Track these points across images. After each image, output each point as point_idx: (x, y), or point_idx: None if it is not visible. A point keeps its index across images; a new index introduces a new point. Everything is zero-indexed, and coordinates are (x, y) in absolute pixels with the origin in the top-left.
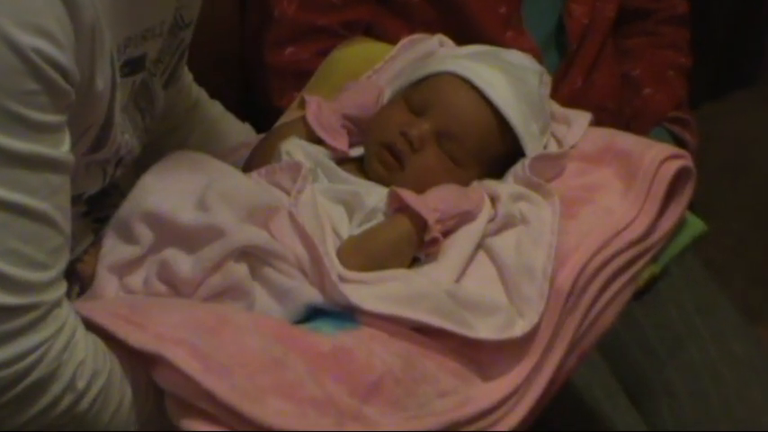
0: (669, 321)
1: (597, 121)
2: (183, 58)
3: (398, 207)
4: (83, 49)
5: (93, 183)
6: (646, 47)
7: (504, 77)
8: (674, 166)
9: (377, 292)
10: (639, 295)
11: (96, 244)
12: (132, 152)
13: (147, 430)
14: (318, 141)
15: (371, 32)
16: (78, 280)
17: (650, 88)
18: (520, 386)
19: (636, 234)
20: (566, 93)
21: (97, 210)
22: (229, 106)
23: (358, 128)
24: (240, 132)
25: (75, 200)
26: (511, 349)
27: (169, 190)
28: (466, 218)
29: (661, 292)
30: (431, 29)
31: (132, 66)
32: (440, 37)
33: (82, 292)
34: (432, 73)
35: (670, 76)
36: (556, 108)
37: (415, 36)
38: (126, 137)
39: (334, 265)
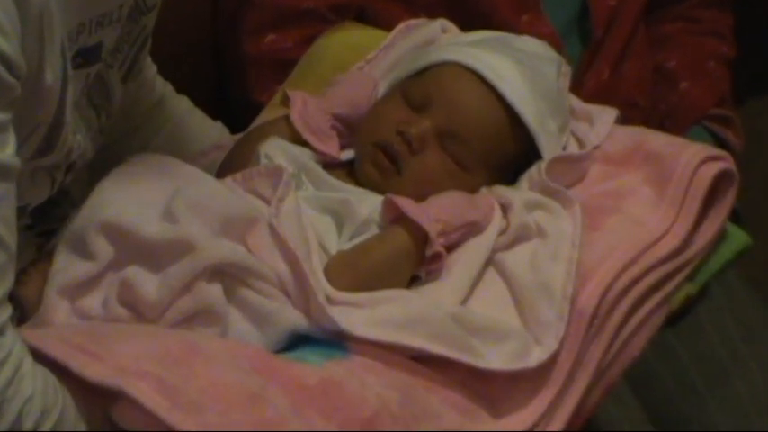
0: (709, 349)
1: (625, 119)
2: (144, 48)
3: (395, 217)
4: (29, 36)
5: (40, 192)
6: (682, 34)
7: (517, 68)
8: (713, 169)
9: (370, 315)
10: (674, 319)
11: (39, 262)
12: (85, 156)
13: None
14: (303, 143)
15: (364, 17)
16: (18, 305)
17: (687, 82)
18: (536, 424)
19: (669, 248)
20: (589, 86)
21: (43, 222)
22: (200, 103)
23: (348, 128)
24: (212, 132)
25: (19, 212)
26: (525, 381)
27: (131, 198)
28: (473, 230)
29: (699, 316)
30: (432, 12)
31: (86, 56)
32: (442, 22)
33: (22, 318)
34: (433, 63)
35: (710, 68)
36: (577, 103)
37: (414, 21)
38: (78, 138)
39: (321, 285)
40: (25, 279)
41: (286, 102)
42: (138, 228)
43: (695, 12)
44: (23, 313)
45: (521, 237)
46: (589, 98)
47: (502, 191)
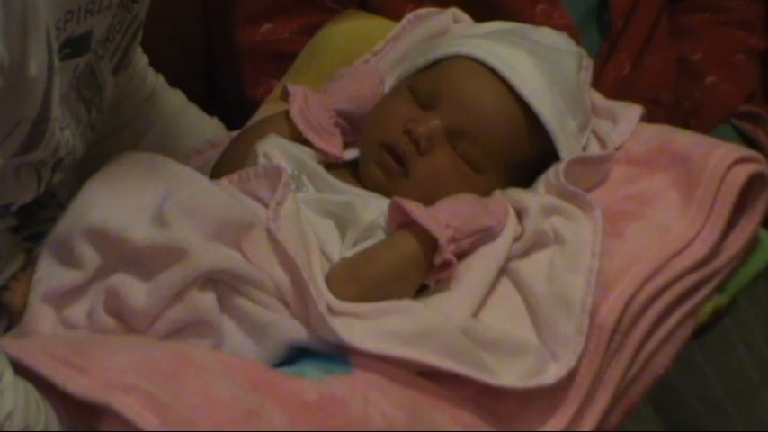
0: (737, 366)
1: (649, 117)
2: (136, 38)
3: (402, 222)
4: (12, 25)
5: (25, 190)
6: (709, 25)
7: (534, 61)
8: (744, 171)
9: (375, 327)
10: (701, 333)
11: (28, 268)
12: (74, 153)
13: None
14: (304, 141)
15: (369, 5)
16: (4, 313)
17: (714, 76)
18: None
19: (697, 257)
20: (608, 81)
21: (30, 224)
22: (194, 97)
23: (352, 125)
24: (207, 129)
25: (3, 211)
26: (541, 399)
27: (118, 201)
28: (486, 236)
29: (727, 330)
30: (442, 1)
31: (74, 46)
32: (454, 11)
33: (9, 327)
34: (443, 56)
35: (739, 62)
36: (599, 100)
37: (424, 10)
38: (66, 134)
39: (323, 295)
40: (14, 285)
41: (286, 97)
42: (126, 233)
43: (723, 1)
44: (10, 322)
45: (537, 244)
46: (608, 93)
47: (517, 194)
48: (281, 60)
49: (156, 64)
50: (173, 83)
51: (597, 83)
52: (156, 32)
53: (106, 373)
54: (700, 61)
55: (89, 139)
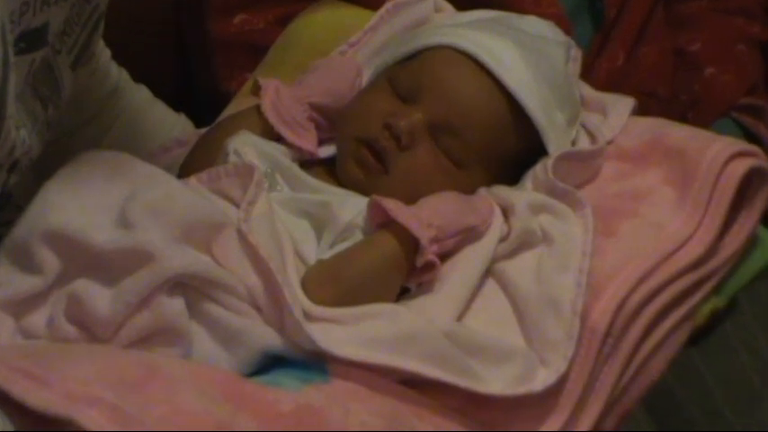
0: (738, 371)
1: (643, 110)
2: (97, 30)
3: (382, 222)
4: None
5: None
6: (707, 13)
7: (520, 52)
8: (742, 166)
9: (354, 333)
10: (698, 337)
11: None
12: (30, 153)
13: None
14: (277, 138)
15: None
16: None
17: (714, 67)
18: None
19: (693, 256)
20: (601, 73)
21: None
22: (160, 92)
23: (328, 120)
24: (174, 126)
25: None
26: (530, 407)
27: (80, 202)
28: (470, 236)
29: (727, 333)
30: None
31: (30, 39)
32: (435, 0)
33: None
34: (424, 47)
35: (740, 52)
36: (588, 92)
37: None
38: (22, 133)
39: (298, 299)
40: None
41: (257, 91)
42: (88, 236)
43: None
44: None
45: (524, 244)
46: (601, 86)
47: (503, 191)
48: (255, 53)
49: (119, 58)
50: (138, 78)
51: (589, 75)
52: (120, 24)
53: (68, 384)
54: (698, 52)
55: (46, 137)
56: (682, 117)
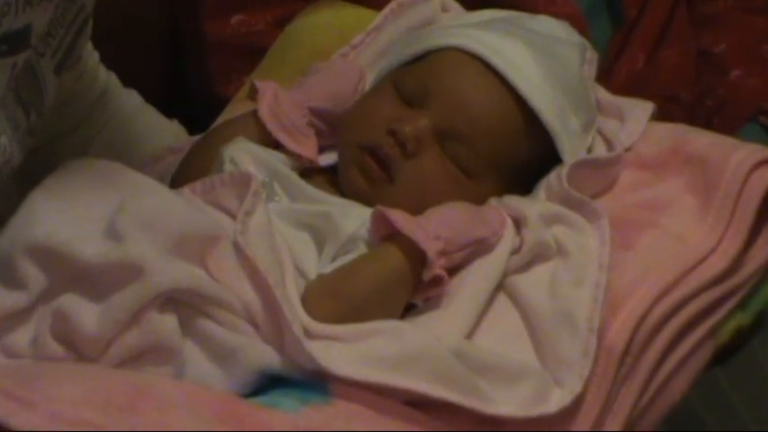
0: (766, 391)
1: (664, 115)
2: (83, 32)
3: (387, 234)
4: None
5: None
6: (733, 12)
7: (532, 53)
8: None
9: (357, 351)
10: (723, 355)
11: None
12: (11, 162)
13: None
14: (275, 145)
15: None
16: None
17: (740, 70)
18: None
19: (716, 270)
20: (620, 76)
21: None
22: (151, 97)
23: (329, 126)
24: (166, 133)
25: None
26: (544, 430)
27: (66, 214)
28: (480, 248)
29: (753, 351)
30: None
31: (11, 42)
32: None
33: None
34: (431, 48)
35: (767, 53)
36: (604, 96)
37: None
38: (3, 141)
39: (298, 315)
40: None
41: (254, 95)
42: (75, 249)
43: None
44: None
45: (537, 257)
46: (620, 90)
47: (515, 202)
48: (253, 55)
49: (108, 61)
50: (128, 82)
51: (608, 78)
52: (109, 25)
53: (54, 406)
54: (723, 53)
55: (28, 145)
56: (706, 122)
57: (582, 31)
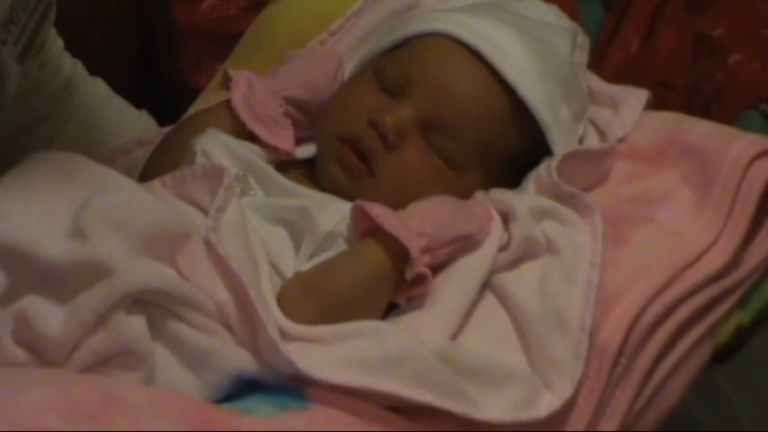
0: (767, 392)
1: (660, 102)
2: (47, 17)
3: (367, 230)
4: None
5: None
6: None
7: (520, 39)
8: None
9: (336, 354)
10: (722, 355)
11: None
12: None
13: None
14: (250, 136)
15: None
16: None
17: (739, 54)
18: None
19: (714, 267)
20: (613, 61)
21: None
22: (119, 87)
23: (307, 116)
24: (135, 124)
25: None
26: None
27: (29, 211)
28: (466, 245)
29: (753, 351)
30: None
31: None
32: None
33: None
34: (414, 34)
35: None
36: (597, 84)
37: None
38: None
39: (274, 317)
40: None
41: (227, 84)
42: (38, 247)
43: None
44: None
45: (526, 253)
46: (613, 76)
47: (502, 195)
48: (226, 42)
49: (73, 48)
50: (94, 71)
51: (600, 64)
52: (74, 10)
53: (16, 414)
54: (721, 37)
55: None
56: (704, 109)
57: (572, 14)
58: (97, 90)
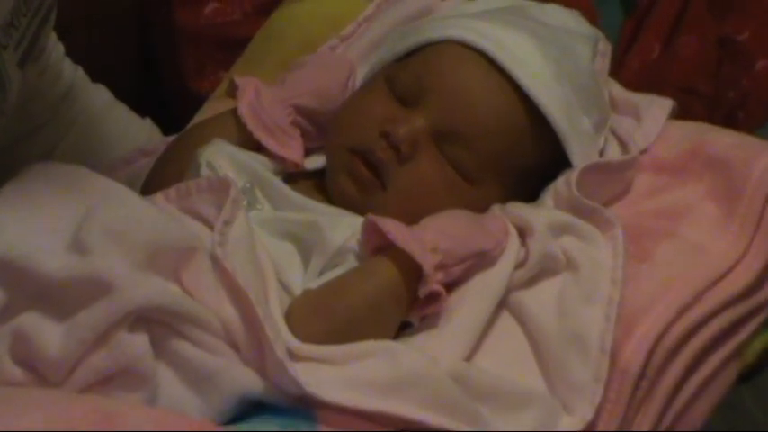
0: None
1: (683, 110)
2: (47, 21)
3: (379, 246)
4: None
5: None
6: None
7: (538, 46)
8: None
9: (346, 375)
10: (749, 376)
11: None
12: None
13: None
14: (257, 147)
15: None
16: None
17: (765, 59)
18: None
19: (741, 284)
20: (633, 67)
21: None
22: (121, 94)
23: (316, 126)
24: (138, 133)
25: None
26: None
27: (27, 224)
28: (482, 261)
29: None
30: None
31: None
32: None
33: None
34: (428, 41)
35: None
36: (618, 92)
37: None
38: None
39: (281, 335)
40: None
41: (233, 92)
42: (37, 262)
43: None
44: None
45: (544, 270)
46: (633, 83)
47: (519, 210)
48: (231, 47)
49: (75, 54)
50: (96, 77)
51: (619, 70)
52: (75, 14)
53: None
54: (747, 41)
55: None
56: (728, 117)
57: (590, 18)
58: (99, 97)
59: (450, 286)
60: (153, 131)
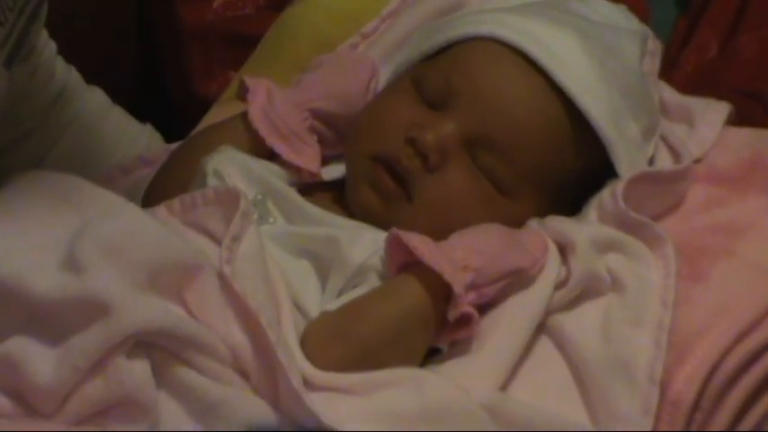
0: None
1: (741, 115)
2: (37, 17)
3: (404, 263)
4: None
5: None
6: None
7: (581, 44)
8: None
9: (368, 406)
10: None
11: None
12: None
13: None
14: (269, 155)
15: None
16: None
17: None
18: None
19: None
20: (688, 68)
21: None
22: (120, 96)
23: (335, 132)
24: (137, 139)
25: None
26: None
27: (17, 240)
28: (518, 281)
29: None
30: None
31: None
32: None
33: None
34: (458, 38)
35: None
36: (670, 95)
37: None
38: None
39: (296, 362)
40: None
41: (244, 94)
42: (27, 281)
43: None
44: None
45: (587, 291)
46: (687, 85)
47: (560, 224)
48: (240, 45)
49: (68, 53)
50: (91, 78)
51: (672, 71)
52: (69, 10)
53: None
54: None
55: None
56: None
57: (642, 14)
58: (94, 100)
59: (484, 308)
60: (154, 138)
